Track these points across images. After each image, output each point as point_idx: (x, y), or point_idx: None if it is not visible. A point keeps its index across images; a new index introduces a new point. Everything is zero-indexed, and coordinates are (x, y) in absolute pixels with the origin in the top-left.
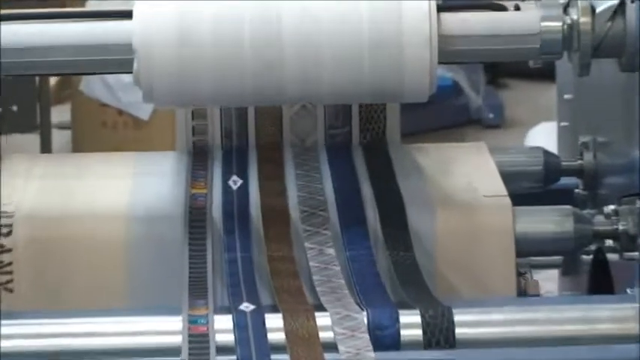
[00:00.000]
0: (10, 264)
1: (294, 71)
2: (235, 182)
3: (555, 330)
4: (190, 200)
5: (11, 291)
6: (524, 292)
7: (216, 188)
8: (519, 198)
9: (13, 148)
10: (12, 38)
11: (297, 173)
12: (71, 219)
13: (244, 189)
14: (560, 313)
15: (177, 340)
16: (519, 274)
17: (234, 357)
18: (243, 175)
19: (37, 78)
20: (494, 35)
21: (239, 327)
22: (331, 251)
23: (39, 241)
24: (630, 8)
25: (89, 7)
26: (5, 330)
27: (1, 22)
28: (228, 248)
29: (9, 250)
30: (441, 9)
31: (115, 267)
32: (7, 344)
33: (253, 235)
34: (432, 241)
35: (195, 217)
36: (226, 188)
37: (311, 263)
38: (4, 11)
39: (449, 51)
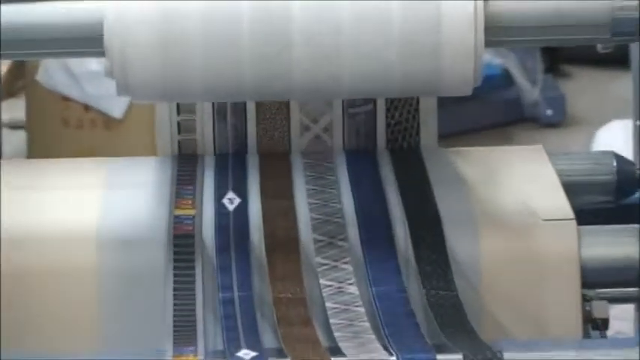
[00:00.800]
0: None
1: (304, 59)
2: (232, 201)
3: None
4: (175, 224)
5: None
6: (590, 316)
7: (207, 207)
8: (586, 215)
9: None
10: None
11: (310, 189)
12: (29, 243)
13: (243, 209)
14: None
15: None
16: (585, 299)
17: None
18: (242, 190)
19: None
20: (554, 13)
21: None
22: (353, 289)
23: None
24: None
25: None
26: None
27: None
28: (222, 286)
29: None
30: None
31: (84, 302)
32: None
33: (254, 268)
34: (476, 270)
35: (181, 247)
36: (220, 209)
37: (328, 304)
38: None
39: (498, 32)
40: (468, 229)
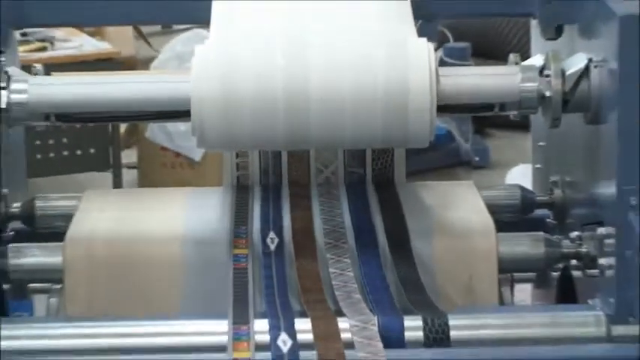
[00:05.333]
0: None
1: (319, 121)
2: (272, 241)
3: (530, 332)
4: (234, 261)
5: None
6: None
7: (255, 245)
8: (501, 226)
9: (91, 184)
10: (100, 93)
11: (322, 209)
12: (136, 241)
13: (280, 249)
14: (533, 319)
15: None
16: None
17: None
18: (279, 230)
19: (110, 125)
20: (485, 95)
21: None
22: (350, 274)
23: (113, 257)
24: (594, 72)
25: (152, 69)
26: (75, 330)
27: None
28: (266, 285)
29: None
30: (441, 63)
31: (170, 284)
32: (81, 342)
33: (287, 269)
34: (430, 261)
35: (238, 279)
36: (265, 249)
37: (334, 282)
38: (93, 75)
39: (445, 104)
40: (425, 234)
